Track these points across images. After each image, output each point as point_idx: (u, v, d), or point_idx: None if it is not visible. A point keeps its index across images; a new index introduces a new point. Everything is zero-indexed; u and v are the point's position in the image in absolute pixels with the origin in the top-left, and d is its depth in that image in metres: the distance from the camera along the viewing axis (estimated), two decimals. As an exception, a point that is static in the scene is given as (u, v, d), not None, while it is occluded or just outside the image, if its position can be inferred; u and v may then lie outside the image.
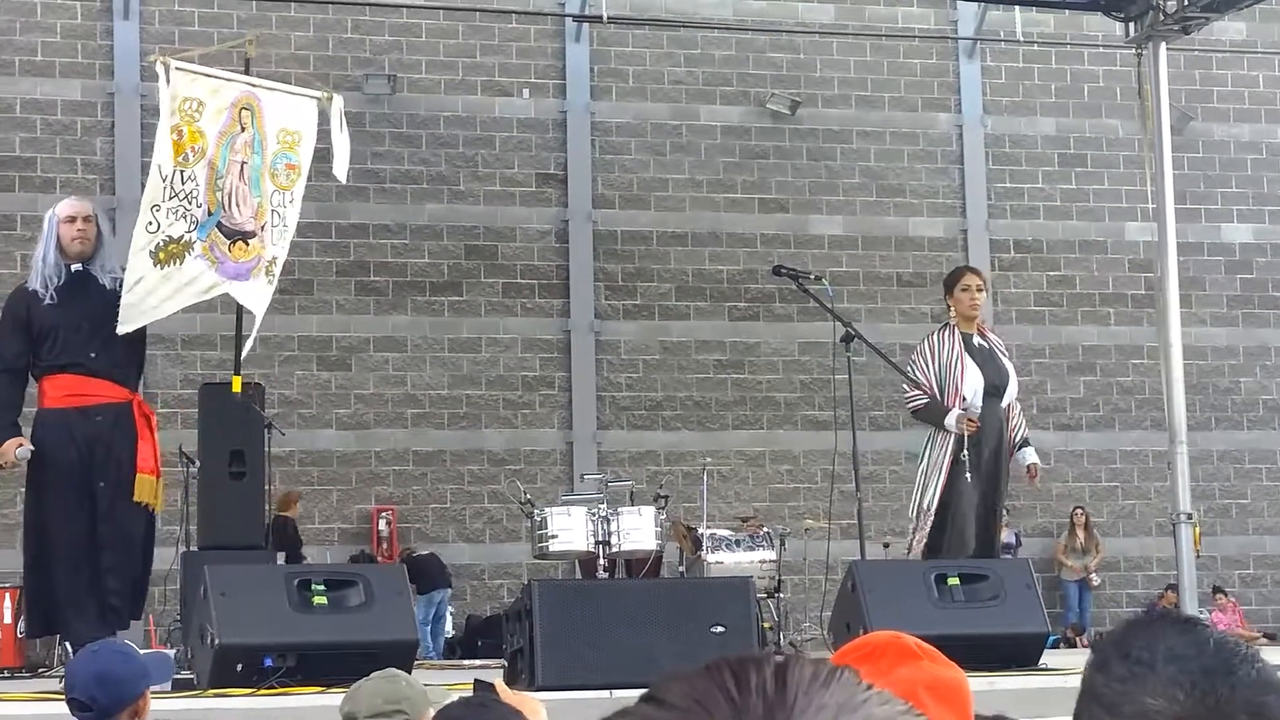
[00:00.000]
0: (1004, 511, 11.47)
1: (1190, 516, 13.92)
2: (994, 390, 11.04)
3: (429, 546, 20.91)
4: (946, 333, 11.17)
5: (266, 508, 14.89)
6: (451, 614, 20.59)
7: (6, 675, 12.68)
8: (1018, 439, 11.16)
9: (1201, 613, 16.67)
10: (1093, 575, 22.39)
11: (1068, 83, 23.54)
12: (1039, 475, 11.29)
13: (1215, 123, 23.80)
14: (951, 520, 10.92)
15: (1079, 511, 22.39)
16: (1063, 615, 21.77)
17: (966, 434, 10.78)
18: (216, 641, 8.76)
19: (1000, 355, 11.15)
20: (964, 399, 10.91)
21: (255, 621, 8.98)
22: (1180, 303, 15.28)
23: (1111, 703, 1.87)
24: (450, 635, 20.38)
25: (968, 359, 11.01)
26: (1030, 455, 11.13)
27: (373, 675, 5.07)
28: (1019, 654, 9.41)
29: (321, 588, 9.26)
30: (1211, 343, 23.17)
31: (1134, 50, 15.67)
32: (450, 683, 9.99)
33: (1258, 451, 23.44)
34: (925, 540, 11.05)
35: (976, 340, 11.16)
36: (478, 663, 16.85)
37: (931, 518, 11.00)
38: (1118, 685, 1.87)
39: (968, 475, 10.80)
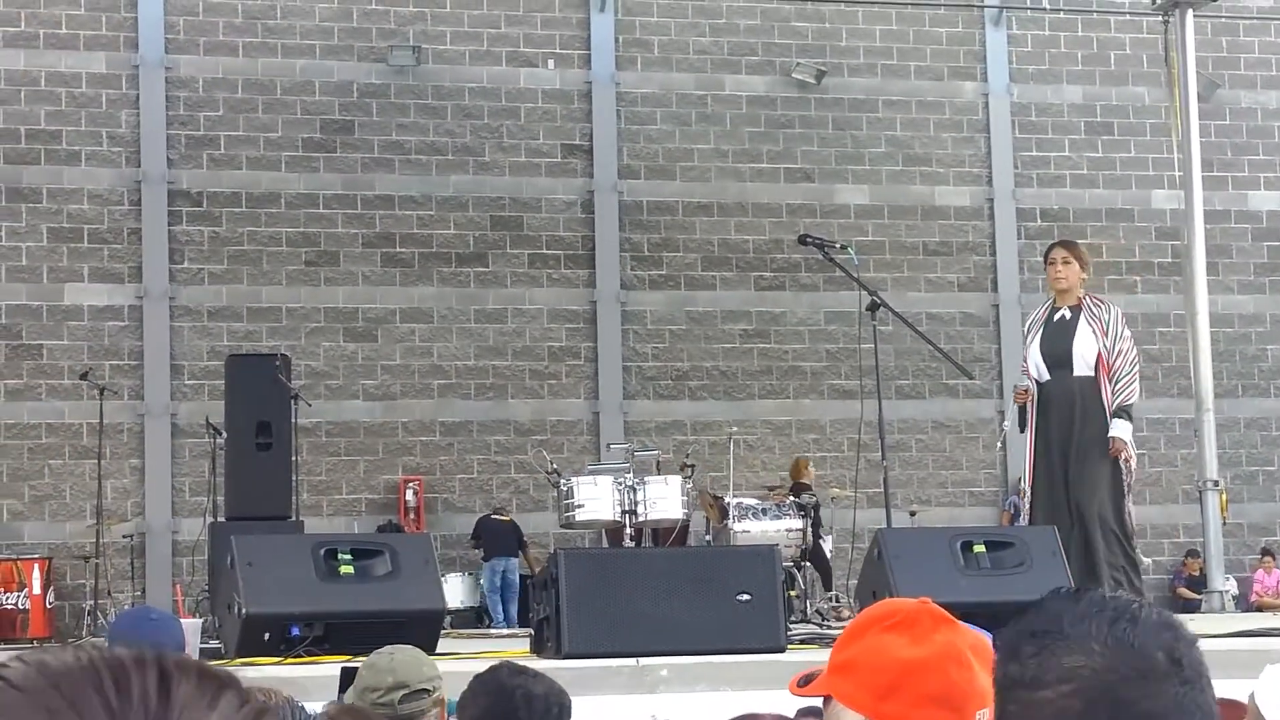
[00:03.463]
0: (1113, 482, 11.19)
1: (1217, 484, 13.94)
2: (1055, 362, 11.02)
3: (456, 516, 20.98)
4: (1041, 307, 11.32)
5: (293, 479, 14.99)
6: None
7: (36, 645, 12.75)
8: (1112, 409, 11.01)
9: (1228, 579, 16.65)
10: None
11: (1094, 50, 23.44)
12: (1120, 450, 11.05)
13: (1242, 90, 23.68)
14: (1033, 497, 11.06)
15: None
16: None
17: (1016, 403, 11.01)
18: (243, 611, 8.80)
19: (1081, 326, 11.05)
20: (1026, 371, 11.12)
21: (282, 591, 9.02)
22: (1207, 270, 15.27)
23: (1033, 677, 1.91)
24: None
25: (1039, 331, 11.12)
26: (1114, 428, 10.93)
27: (390, 650, 5.12)
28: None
29: (348, 557, 9.29)
30: (1238, 310, 23.09)
31: (1160, 17, 15.63)
32: (480, 650, 10.05)
33: (1285, 419, 23.39)
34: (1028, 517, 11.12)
35: (1061, 312, 11.13)
36: (505, 631, 16.94)
37: (1028, 493, 11.11)
38: (1033, 661, 1.92)
39: (1035, 444, 10.96)
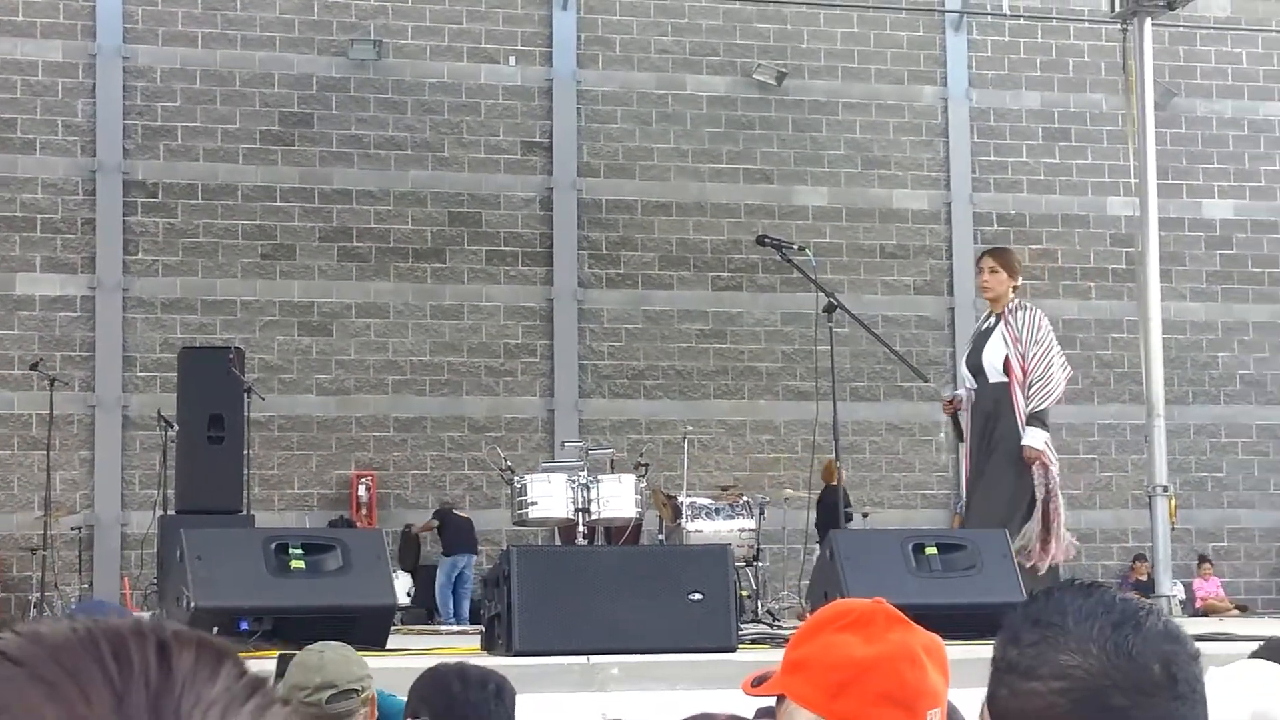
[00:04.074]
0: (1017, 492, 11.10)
1: (1166, 489, 13.96)
2: (974, 370, 11.08)
3: (409, 513, 20.95)
4: (982, 316, 11.41)
5: (245, 472, 14.93)
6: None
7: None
8: (1024, 417, 10.93)
9: (1175, 584, 16.73)
10: None
11: (1053, 57, 23.53)
12: (1034, 458, 10.95)
13: (1198, 99, 23.82)
14: (965, 504, 11.15)
15: None
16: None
17: (945, 414, 11.03)
18: (192, 604, 8.74)
19: (996, 334, 11.07)
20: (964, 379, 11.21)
21: (231, 585, 8.96)
22: (1160, 277, 15.31)
23: (1028, 667, 1.91)
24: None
25: (971, 340, 11.20)
26: (1025, 436, 10.78)
27: (320, 647, 5.10)
28: (996, 623, 9.36)
29: (299, 552, 9.23)
30: (1190, 317, 23.22)
31: (1119, 25, 15.67)
32: (431, 646, 10.02)
33: (1234, 425, 23.52)
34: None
35: (989, 321, 11.19)
36: (455, 627, 16.91)
37: (964, 499, 11.22)
38: (1031, 650, 1.92)
39: (967, 453, 11.04)
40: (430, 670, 4.39)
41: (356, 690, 4.83)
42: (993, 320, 11.13)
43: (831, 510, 18.40)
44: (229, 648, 1.07)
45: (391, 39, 21.68)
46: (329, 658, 4.96)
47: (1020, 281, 11.27)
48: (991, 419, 10.98)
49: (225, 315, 20.80)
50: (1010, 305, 11.05)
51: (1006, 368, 10.91)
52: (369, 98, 21.60)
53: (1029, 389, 10.83)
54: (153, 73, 21.05)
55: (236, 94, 21.19)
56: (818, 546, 16.73)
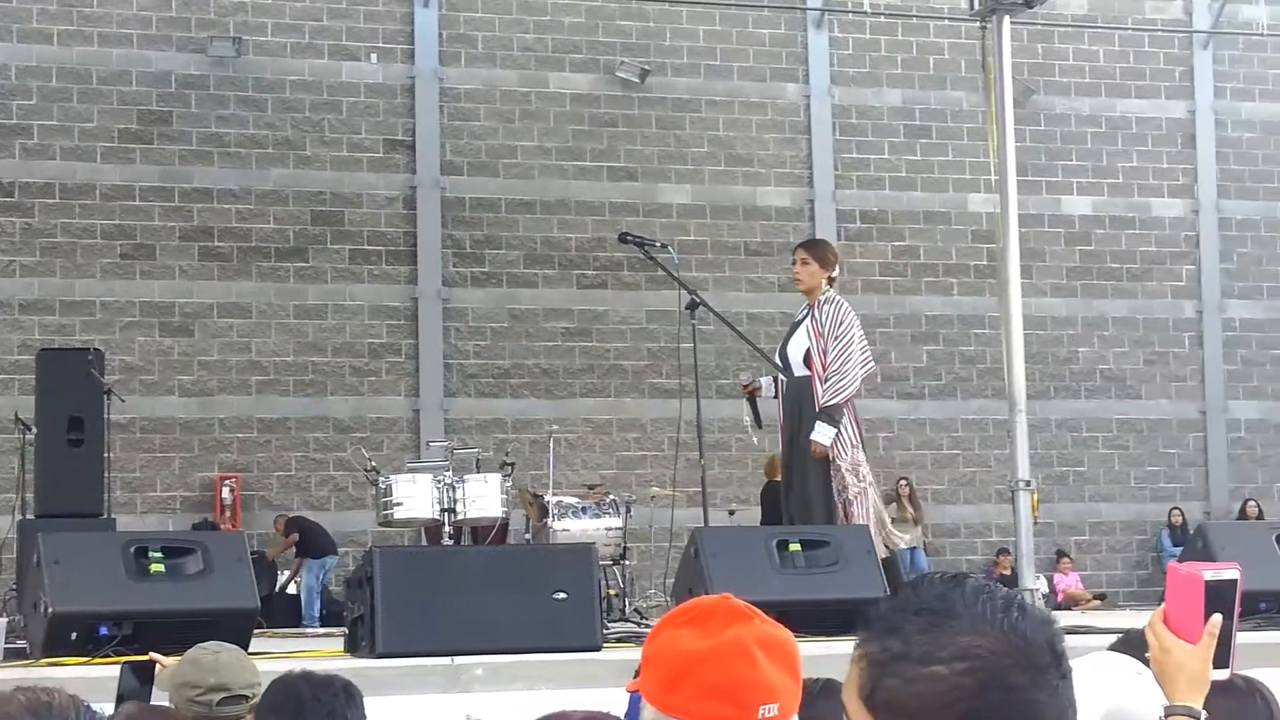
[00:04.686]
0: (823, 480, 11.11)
1: (1029, 484, 14.07)
2: (783, 362, 11.19)
3: (274, 515, 20.77)
4: None
5: (106, 475, 14.72)
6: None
7: None
8: (818, 412, 11.02)
9: (1039, 578, 16.95)
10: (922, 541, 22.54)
11: (913, 55, 23.75)
12: (820, 454, 10.97)
13: (1057, 96, 24.14)
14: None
15: (903, 483, 22.45)
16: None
17: (743, 394, 11.46)
18: (49, 610, 8.61)
19: (802, 327, 11.15)
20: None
21: (90, 590, 8.83)
22: (1021, 273, 15.45)
23: (925, 653, 1.95)
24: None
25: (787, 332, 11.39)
26: (814, 431, 10.85)
27: (215, 648, 5.01)
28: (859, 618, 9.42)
29: (159, 555, 9.12)
30: (1051, 313, 23.53)
31: (978, 23, 15.80)
32: (294, 649, 9.94)
33: (1094, 420, 23.86)
34: None
35: (802, 312, 11.31)
36: (321, 630, 16.77)
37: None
38: (923, 638, 1.96)
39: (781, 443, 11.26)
40: (278, 680, 4.37)
41: (247, 696, 4.78)
42: (804, 312, 11.25)
43: (776, 506, 18.55)
44: None
45: (251, 36, 21.46)
46: (224, 660, 4.87)
47: (835, 274, 11.34)
48: (796, 414, 11.08)
49: (84, 316, 20.50)
50: (820, 298, 11.13)
51: (807, 361, 11.00)
52: (229, 95, 21.37)
53: (825, 383, 10.89)
54: (7, 70, 20.70)
55: (94, 92, 20.89)
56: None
